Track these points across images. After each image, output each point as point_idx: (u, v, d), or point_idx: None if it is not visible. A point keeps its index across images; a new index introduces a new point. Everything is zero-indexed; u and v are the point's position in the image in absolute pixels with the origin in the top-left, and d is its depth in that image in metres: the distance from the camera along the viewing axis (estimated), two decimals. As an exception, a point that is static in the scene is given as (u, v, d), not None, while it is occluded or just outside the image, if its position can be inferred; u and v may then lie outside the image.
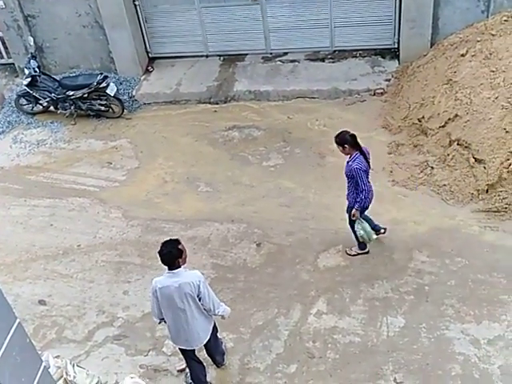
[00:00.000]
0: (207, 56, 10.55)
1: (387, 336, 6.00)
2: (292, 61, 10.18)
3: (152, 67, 10.61)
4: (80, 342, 6.34)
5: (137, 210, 7.93)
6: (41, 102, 9.83)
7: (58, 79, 9.81)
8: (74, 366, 5.47)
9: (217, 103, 9.72)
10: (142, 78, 10.37)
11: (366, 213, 6.59)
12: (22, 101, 9.96)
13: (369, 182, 6.30)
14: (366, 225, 6.49)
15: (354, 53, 10.05)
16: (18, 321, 3.55)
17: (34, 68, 9.58)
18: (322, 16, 9.81)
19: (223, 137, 9.02)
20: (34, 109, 10.01)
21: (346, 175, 6.33)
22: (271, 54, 10.38)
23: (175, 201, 7.97)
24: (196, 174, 8.41)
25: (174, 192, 8.15)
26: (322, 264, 6.85)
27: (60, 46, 10.44)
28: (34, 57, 9.75)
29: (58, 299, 6.84)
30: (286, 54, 10.32)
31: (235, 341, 6.14)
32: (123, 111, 9.69)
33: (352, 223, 6.59)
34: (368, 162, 6.27)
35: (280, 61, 10.25)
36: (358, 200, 6.28)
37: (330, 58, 10.09)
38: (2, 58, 11.11)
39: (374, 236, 6.58)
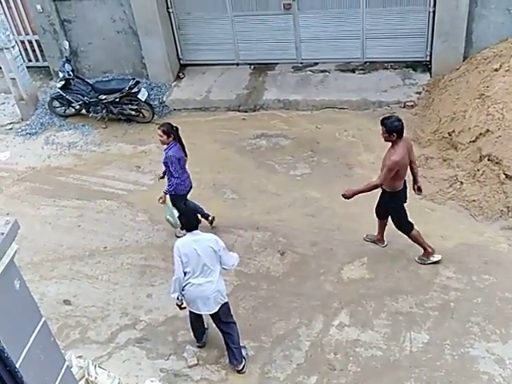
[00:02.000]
0: (238, 64, 10.62)
1: (410, 351, 5.92)
2: (322, 71, 10.17)
3: (183, 74, 10.72)
4: (103, 343, 6.40)
5: (163, 214, 7.97)
6: (73, 104, 10.00)
7: (90, 83, 9.98)
8: (95, 366, 5.53)
9: (246, 111, 9.77)
10: (173, 85, 10.48)
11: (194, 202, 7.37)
12: (55, 103, 10.16)
13: (185, 171, 7.01)
14: (175, 212, 6.95)
15: (385, 65, 10.00)
16: (43, 319, 3.60)
17: (68, 71, 9.76)
18: (354, 27, 9.80)
19: (251, 145, 9.05)
20: (67, 111, 10.19)
21: (164, 163, 6.91)
22: (302, 63, 10.39)
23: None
24: (222, 180, 8.45)
25: (201, 198, 8.17)
26: (346, 276, 6.80)
27: (94, 50, 10.63)
28: (68, 60, 9.93)
29: (82, 300, 6.92)
30: (316, 64, 10.32)
31: (256, 349, 6.13)
32: (153, 116, 9.80)
33: (176, 208, 7.04)
34: (185, 152, 6.92)
35: (310, 71, 10.25)
36: (169, 184, 6.88)
37: (361, 70, 10.06)
38: (38, 60, 11.34)
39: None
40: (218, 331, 5.94)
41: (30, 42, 11.18)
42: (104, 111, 9.82)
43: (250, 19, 10.12)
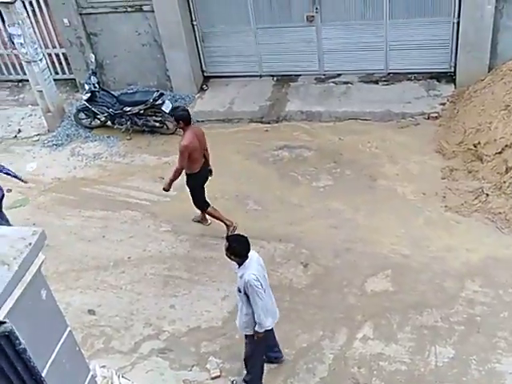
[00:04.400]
0: (261, 76, 10.67)
1: (435, 366, 5.83)
2: (345, 82, 10.16)
3: (207, 86, 10.81)
4: (126, 353, 6.44)
5: (186, 225, 8.03)
6: (99, 116, 10.13)
7: (116, 95, 10.10)
8: (119, 376, 5.53)
9: (268, 123, 9.79)
10: (197, 96, 10.57)
11: None
12: (81, 115, 10.31)
13: None
14: None
15: (409, 76, 9.94)
16: (68, 329, 3.63)
17: (93, 84, 9.91)
18: (377, 39, 9.77)
19: (273, 156, 9.06)
20: (92, 123, 10.32)
21: None
22: (324, 75, 10.39)
23: (224, 218, 8.03)
24: (245, 191, 8.47)
25: (224, 209, 8.18)
26: (369, 288, 6.74)
27: (119, 63, 10.78)
28: (94, 73, 10.09)
29: (106, 310, 6.98)
30: (339, 75, 10.31)
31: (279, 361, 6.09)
32: (177, 128, 9.87)
33: None
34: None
35: (333, 82, 10.25)
36: None
37: (384, 81, 10.02)
38: (64, 73, 11.52)
39: None
40: (242, 342, 5.92)
41: (57, 55, 11.37)
42: (129, 123, 9.93)
43: (273, 31, 10.17)
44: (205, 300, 6.87)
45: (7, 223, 7.80)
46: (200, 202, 7.63)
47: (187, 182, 7.52)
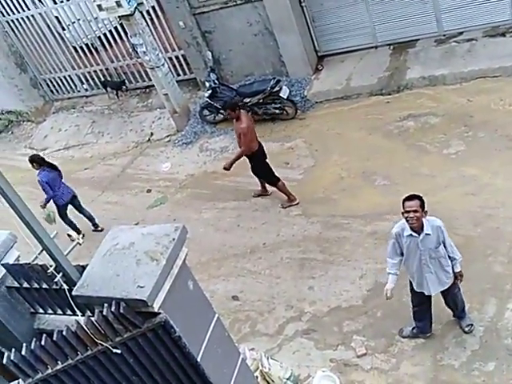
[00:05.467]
0: (376, 47, 10.35)
1: None
2: (468, 40, 9.53)
3: (321, 65, 10.72)
4: (272, 335, 6.67)
5: (315, 207, 8.09)
6: (221, 111, 10.48)
7: (235, 88, 10.38)
8: (268, 358, 5.77)
9: (389, 94, 9.49)
10: (313, 78, 10.52)
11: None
12: (205, 112, 10.73)
13: (60, 187, 8.64)
14: (51, 214, 8.07)
15: (541, 21, 9.11)
16: (216, 315, 3.86)
17: (213, 80, 10.27)
18: (499, -13, 9.06)
19: (398, 127, 8.79)
20: (216, 118, 10.70)
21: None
22: (444, 35, 9.82)
23: (352, 196, 7.97)
24: (372, 167, 8.31)
25: (351, 187, 8.15)
26: (517, 255, 6.34)
27: (235, 56, 11.04)
28: (212, 70, 10.45)
29: (249, 295, 7.26)
30: (461, 33, 9.69)
31: (426, 337, 5.95)
32: (296, 112, 9.93)
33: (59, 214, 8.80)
34: (58, 170, 8.69)
35: (455, 41, 9.66)
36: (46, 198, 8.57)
37: (512, 31, 9.27)
38: (185, 74, 12.03)
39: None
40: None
41: (177, 58, 11.88)
42: (249, 113, 10.15)
43: (384, -1, 9.82)
44: (342, 280, 6.90)
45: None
46: (271, 177, 8.10)
47: (252, 164, 8.05)
